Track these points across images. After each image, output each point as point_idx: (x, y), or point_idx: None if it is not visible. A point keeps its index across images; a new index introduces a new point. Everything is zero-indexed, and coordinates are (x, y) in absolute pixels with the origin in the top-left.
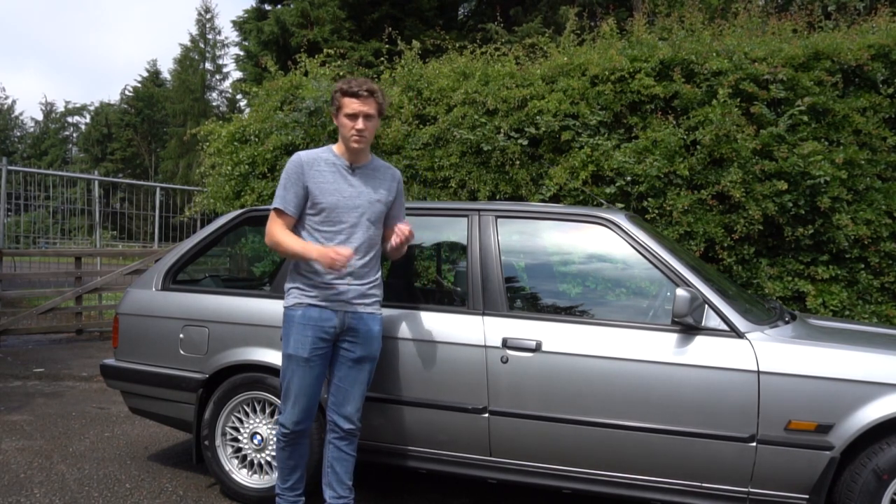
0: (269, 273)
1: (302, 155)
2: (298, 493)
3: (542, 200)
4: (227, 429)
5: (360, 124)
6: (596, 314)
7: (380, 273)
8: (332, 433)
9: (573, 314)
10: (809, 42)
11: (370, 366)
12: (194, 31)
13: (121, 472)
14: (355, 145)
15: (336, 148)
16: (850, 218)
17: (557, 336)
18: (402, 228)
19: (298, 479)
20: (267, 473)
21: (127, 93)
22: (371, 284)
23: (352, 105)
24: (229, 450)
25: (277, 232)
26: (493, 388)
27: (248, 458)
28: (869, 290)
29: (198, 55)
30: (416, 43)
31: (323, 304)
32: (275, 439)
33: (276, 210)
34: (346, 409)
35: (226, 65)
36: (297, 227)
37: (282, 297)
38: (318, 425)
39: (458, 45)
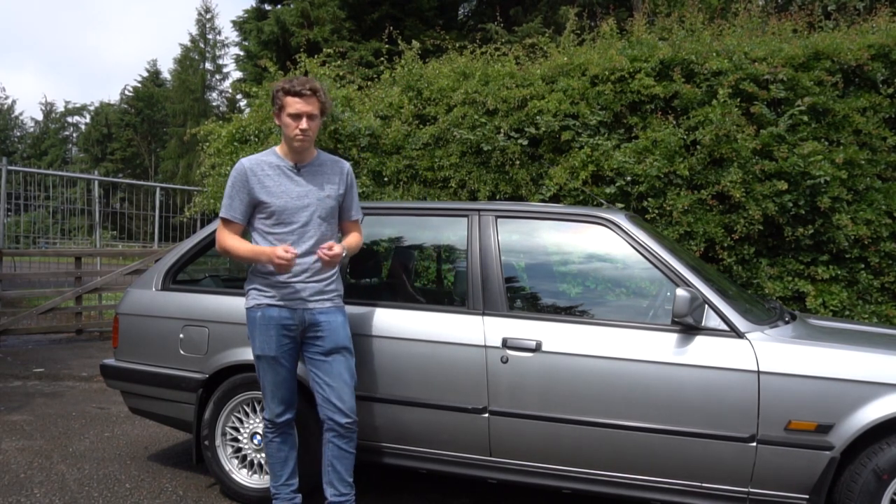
0: None
1: (244, 162)
2: (293, 488)
3: (542, 200)
4: (227, 429)
5: (303, 124)
6: (596, 314)
7: (337, 269)
8: (330, 431)
9: (573, 314)
10: (809, 42)
11: (344, 357)
12: (194, 31)
13: (121, 472)
14: (298, 145)
15: (279, 149)
16: (850, 218)
17: (557, 336)
18: (324, 252)
19: (291, 472)
20: (267, 473)
21: (127, 93)
22: (328, 281)
23: (295, 105)
24: (229, 450)
25: (226, 239)
26: (493, 388)
27: (248, 458)
28: (869, 290)
29: (198, 55)
30: (416, 43)
31: (280, 303)
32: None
33: (223, 219)
34: (336, 404)
35: (226, 65)
36: (249, 232)
37: None
38: (317, 425)
39: (458, 45)
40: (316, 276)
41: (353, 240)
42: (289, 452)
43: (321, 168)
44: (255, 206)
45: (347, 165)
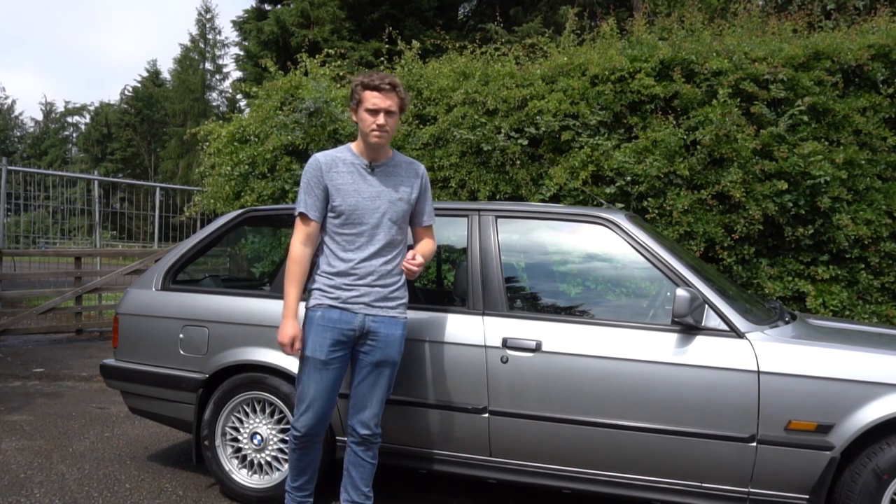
0: (268, 273)
1: (319, 157)
2: (307, 493)
3: (542, 200)
4: (227, 429)
5: (381, 119)
6: (596, 314)
7: (404, 275)
8: (350, 437)
9: (573, 314)
10: (809, 42)
11: (390, 371)
12: (194, 31)
13: (121, 472)
14: (375, 140)
15: (355, 146)
16: (850, 218)
17: (557, 336)
18: (409, 264)
19: (307, 480)
20: (267, 473)
21: (127, 93)
22: (394, 287)
23: (372, 99)
24: (229, 450)
25: (297, 247)
26: (493, 388)
27: (248, 459)
28: (869, 290)
29: (198, 55)
30: (415, 43)
31: (343, 306)
32: (281, 439)
33: (300, 214)
34: (363, 414)
35: (226, 65)
36: (321, 233)
37: (281, 297)
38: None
39: (458, 45)
40: (381, 281)
41: (427, 247)
42: (308, 465)
43: (396, 169)
44: (328, 204)
45: (423, 168)
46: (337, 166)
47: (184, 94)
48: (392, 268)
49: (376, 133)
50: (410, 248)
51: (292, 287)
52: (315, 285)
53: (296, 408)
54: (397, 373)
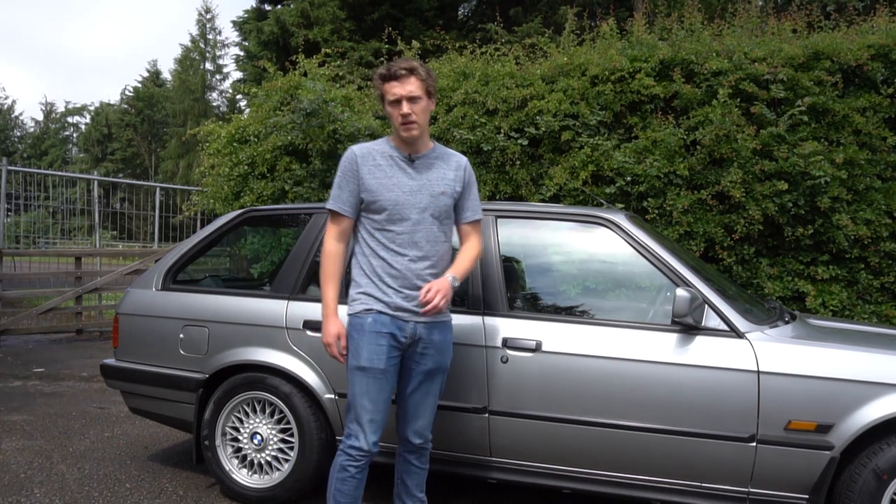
0: (268, 273)
1: (355, 149)
2: None
3: (542, 200)
4: (227, 429)
5: (404, 108)
6: (596, 314)
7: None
8: (403, 447)
9: (573, 314)
10: (809, 42)
11: (441, 377)
12: (195, 31)
13: (121, 472)
14: (406, 134)
15: (393, 139)
16: (850, 218)
17: (557, 336)
18: (425, 297)
19: None
20: (267, 473)
21: (127, 93)
22: None
23: (392, 90)
24: (229, 450)
25: (331, 243)
26: (493, 388)
27: (248, 458)
28: (869, 290)
29: (198, 55)
30: (415, 43)
31: (394, 313)
32: (281, 439)
33: (331, 211)
34: (417, 423)
35: (226, 65)
36: (357, 231)
37: (280, 297)
38: (318, 425)
39: (457, 45)
40: (415, 280)
41: (470, 253)
42: (360, 494)
43: (437, 161)
44: (362, 200)
45: (465, 160)
46: (374, 159)
47: (184, 95)
48: (438, 270)
49: (404, 125)
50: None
51: (330, 285)
52: (361, 289)
53: (352, 424)
54: None
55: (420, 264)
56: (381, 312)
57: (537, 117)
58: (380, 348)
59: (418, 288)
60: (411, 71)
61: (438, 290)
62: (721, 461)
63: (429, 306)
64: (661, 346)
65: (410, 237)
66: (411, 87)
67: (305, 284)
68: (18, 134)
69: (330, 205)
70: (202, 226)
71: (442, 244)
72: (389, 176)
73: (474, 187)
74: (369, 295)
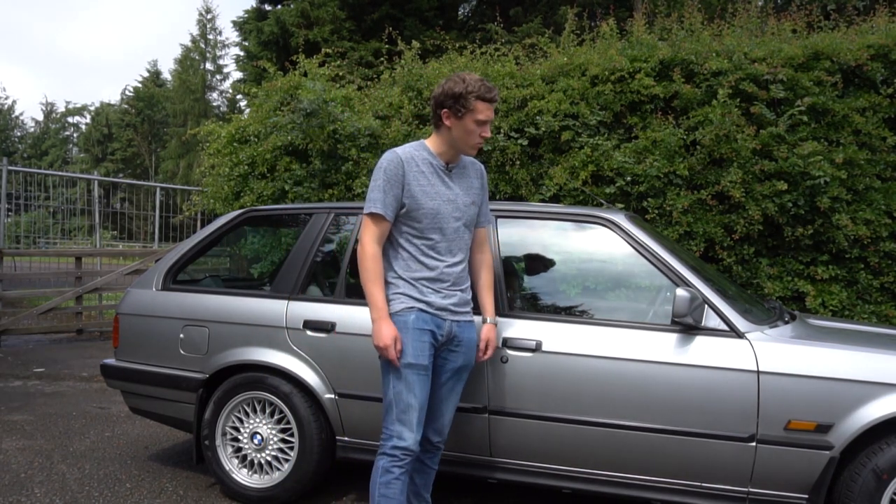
0: (268, 273)
1: (399, 152)
2: None
3: (542, 200)
4: (228, 428)
5: (487, 132)
6: (596, 314)
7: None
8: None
9: (573, 314)
10: (809, 42)
11: (466, 375)
12: (195, 31)
13: (121, 472)
14: (473, 152)
15: (431, 145)
16: (850, 218)
17: (557, 336)
18: (484, 352)
19: None
20: (267, 473)
21: (127, 93)
22: (468, 288)
23: (486, 111)
24: (229, 449)
25: (372, 246)
26: (493, 387)
27: (249, 458)
28: (869, 290)
29: (198, 55)
30: (415, 43)
31: (435, 312)
32: (281, 439)
33: (374, 215)
34: (440, 421)
35: (226, 65)
36: (391, 234)
37: (281, 297)
38: (318, 425)
39: (458, 45)
40: (462, 285)
41: (491, 281)
42: (405, 497)
43: (465, 170)
44: (402, 207)
45: (482, 166)
46: (417, 165)
47: (184, 95)
48: (466, 271)
49: (478, 144)
50: None
51: (376, 286)
52: (399, 289)
53: (394, 425)
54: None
55: (456, 268)
56: (422, 311)
57: (537, 117)
58: (423, 345)
59: (453, 286)
60: (497, 98)
61: (490, 341)
62: (721, 461)
63: (488, 354)
64: (660, 346)
65: (448, 246)
66: (493, 112)
67: (305, 284)
68: (19, 134)
69: (375, 208)
70: (202, 226)
71: (468, 247)
72: (432, 184)
73: (487, 195)
74: (408, 295)
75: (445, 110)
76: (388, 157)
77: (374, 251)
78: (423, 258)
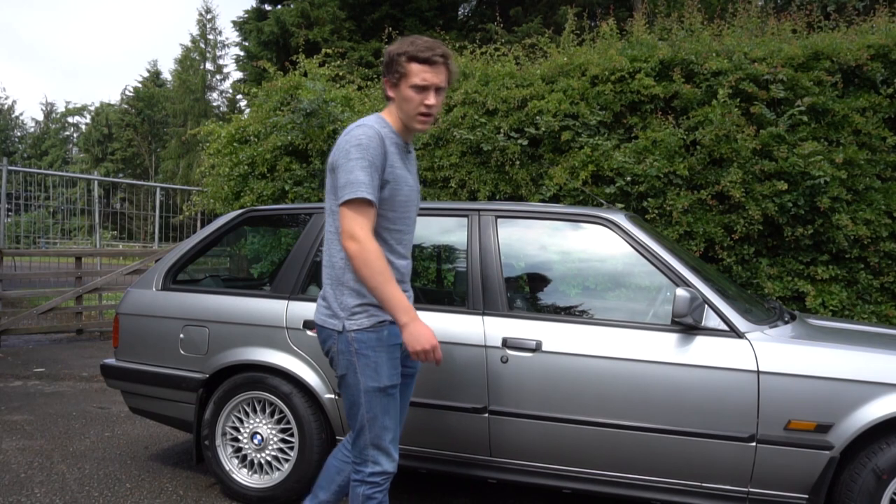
0: (268, 273)
1: (376, 127)
2: None
3: (542, 200)
4: (228, 429)
5: (431, 99)
6: (596, 314)
7: None
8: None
9: (573, 314)
10: (809, 42)
11: (414, 380)
12: (195, 31)
13: (121, 472)
14: (420, 126)
15: (393, 123)
16: (850, 218)
17: (557, 336)
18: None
19: None
20: (267, 473)
21: (127, 93)
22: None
23: (421, 74)
24: (229, 449)
25: (370, 239)
26: (493, 387)
27: (249, 458)
28: (868, 290)
29: (198, 55)
30: None
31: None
32: (281, 439)
33: (364, 202)
34: (399, 431)
35: (226, 65)
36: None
37: (281, 297)
38: (318, 425)
39: (457, 45)
40: (408, 285)
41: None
42: None
43: (411, 155)
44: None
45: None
46: (389, 145)
47: (184, 95)
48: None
49: (422, 117)
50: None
51: (394, 286)
52: (362, 300)
53: (369, 450)
54: None
55: (410, 266)
56: (392, 323)
57: (537, 117)
58: (395, 362)
59: (407, 288)
60: (445, 59)
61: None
62: (721, 461)
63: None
64: (661, 346)
65: (410, 238)
66: (442, 76)
67: (306, 284)
68: (19, 134)
69: (364, 193)
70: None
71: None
72: (401, 167)
73: None
74: (375, 306)
75: (385, 79)
76: (365, 133)
77: (377, 246)
78: (391, 256)
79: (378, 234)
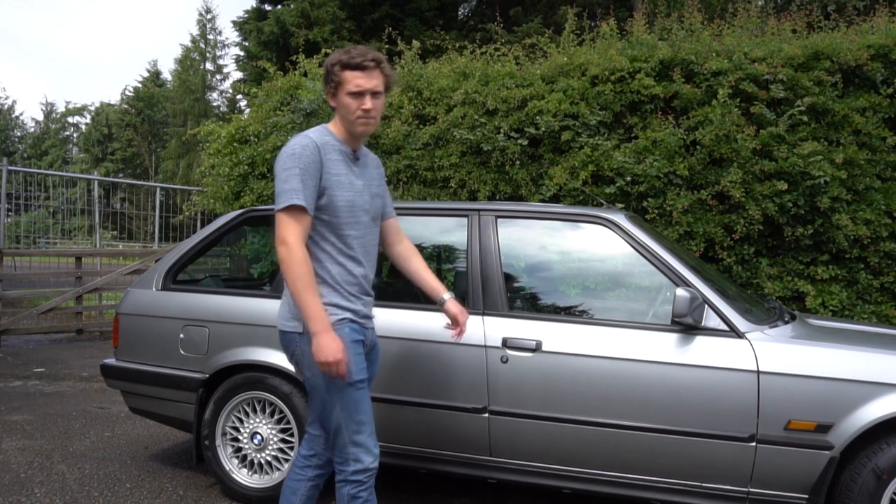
0: (268, 273)
1: (313, 137)
2: None
3: (542, 200)
4: (228, 429)
5: (367, 103)
6: (596, 314)
7: None
8: (326, 468)
9: (573, 314)
10: (809, 42)
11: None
12: (195, 31)
13: (121, 472)
14: (362, 129)
15: (334, 130)
16: (850, 218)
17: (557, 336)
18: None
19: None
20: (267, 473)
21: (127, 93)
22: (373, 295)
23: (355, 80)
24: (229, 449)
25: (299, 246)
26: (493, 387)
27: (249, 458)
28: (868, 290)
29: (198, 55)
30: (415, 43)
31: (361, 319)
32: (281, 439)
33: (296, 207)
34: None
35: (226, 65)
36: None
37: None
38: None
39: (458, 45)
40: (371, 291)
41: (424, 263)
42: None
43: (367, 159)
44: (319, 198)
45: (377, 158)
46: (329, 152)
47: (184, 95)
48: (373, 274)
49: (363, 120)
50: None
51: (312, 294)
52: (323, 298)
53: (349, 448)
54: (397, 373)
55: (371, 271)
56: (352, 321)
57: (537, 117)
58: (360, 357)
59: (367, 294)
60: (378, 63)
61: (464, 313)
62: (721, 461)
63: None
64: (661, 346)
65: (362, 242)
66: (377, 80)
67: None
68: (19, 134)
69: (293, 200)
70: (202, 226)
71: (377, 247)
72: (345, 173)
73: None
74: (336, 305)
75: (326, 90)
76: (300, 143)
77: (304, 254)
78: (342, 258)
79: (325, 238)
